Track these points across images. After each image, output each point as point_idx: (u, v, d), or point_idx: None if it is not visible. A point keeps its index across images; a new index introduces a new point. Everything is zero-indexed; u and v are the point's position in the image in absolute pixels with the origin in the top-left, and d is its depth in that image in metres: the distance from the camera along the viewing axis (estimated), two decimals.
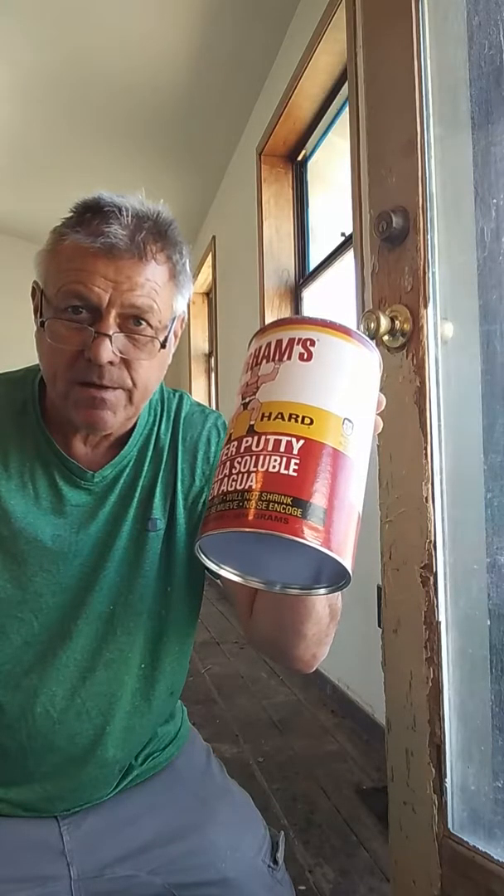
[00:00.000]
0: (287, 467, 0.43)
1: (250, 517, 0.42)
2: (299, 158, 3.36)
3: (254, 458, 0.44)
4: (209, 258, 4.92)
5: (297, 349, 0.47)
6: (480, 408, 0.93)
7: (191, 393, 5.67)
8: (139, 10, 2.86)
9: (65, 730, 0.76)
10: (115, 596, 0.77)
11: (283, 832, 0.92)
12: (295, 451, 0.43)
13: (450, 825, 0.89)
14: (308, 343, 0.47)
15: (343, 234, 2.72)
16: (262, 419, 0.45)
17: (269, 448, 0.44)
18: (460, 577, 0.90)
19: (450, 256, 0.90)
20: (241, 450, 0.45)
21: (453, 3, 0.92)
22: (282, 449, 0.43)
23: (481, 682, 0.91)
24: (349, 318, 2.37)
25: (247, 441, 0.45)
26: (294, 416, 0.44)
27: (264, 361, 0.48)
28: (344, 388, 0.46)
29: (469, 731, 0.90)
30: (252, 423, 0.45)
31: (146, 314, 0.69)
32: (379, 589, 1.60)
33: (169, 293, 0.72)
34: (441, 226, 0.90)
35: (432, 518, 0.88)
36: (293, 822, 1.67)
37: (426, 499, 0.88)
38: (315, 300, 3.23)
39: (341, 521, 0.43)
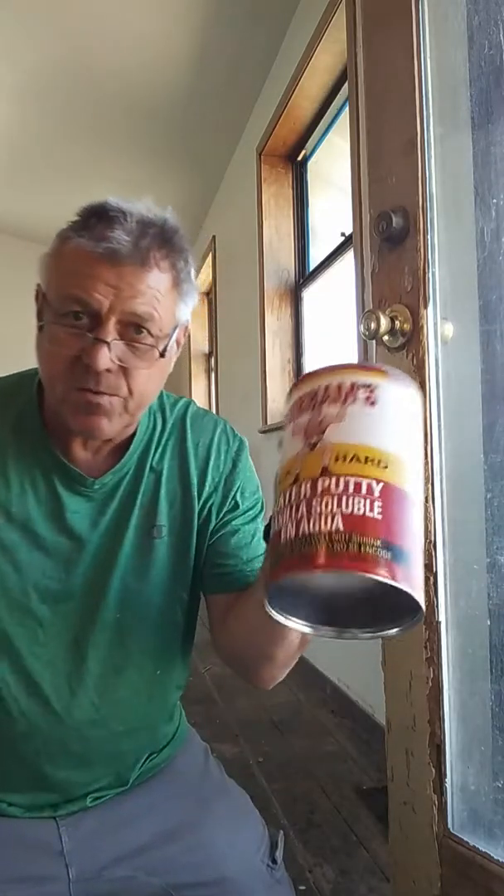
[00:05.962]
0: (372, 510, 0.42)
1: (345, 560, 0.41)
2: (299, 158, 3.36)
3: (335, 499, 0.43)
4: (209, 258, 4.92)
5: (362, 394, 0.47)
6: (480, 408, 0.93)
7: (190, 393, 5.67)
8: (139, 9, 2.86)
9: (79, 735, 0.77)
10: (122, 603, 0.77)
11: (282, 832, 0.92)
12: (376, 494, 0.43)
13: (450, 825, 0.89)
14: (371, 388, 0.47)
15: (343, 234, 2.72)
16: (336, 461, 0.45)
17: (351, 490, 0.43)
18: (460, 577, 0.90)
19: (450, 256, 0.90)
20: (319, 491, 0.44)
21: (453, 3, 0.92)
22: (363, 491, 0.43)
23: (481, 682, 0.91)
24: (349, 318, 2.37)
25: (324, 482, 0.44)
26: (370, 460, 0.44)
27: (326, 403, 0.47)
28: (404, 432, 0.47)
29: (469, 731, 0.90)
30: (326, 464, 0.45)
31: (146, 322, 0.68)
32: None
33: (171, 301, 0.70)
34: (441, 226, 0.90)
35: (432, 518, 0.88)
36: (293, 822, 1.67)
37: (426, 499, 0.88)
38: (315, 300, 3.23)
39: (419, 565, 0.44)
